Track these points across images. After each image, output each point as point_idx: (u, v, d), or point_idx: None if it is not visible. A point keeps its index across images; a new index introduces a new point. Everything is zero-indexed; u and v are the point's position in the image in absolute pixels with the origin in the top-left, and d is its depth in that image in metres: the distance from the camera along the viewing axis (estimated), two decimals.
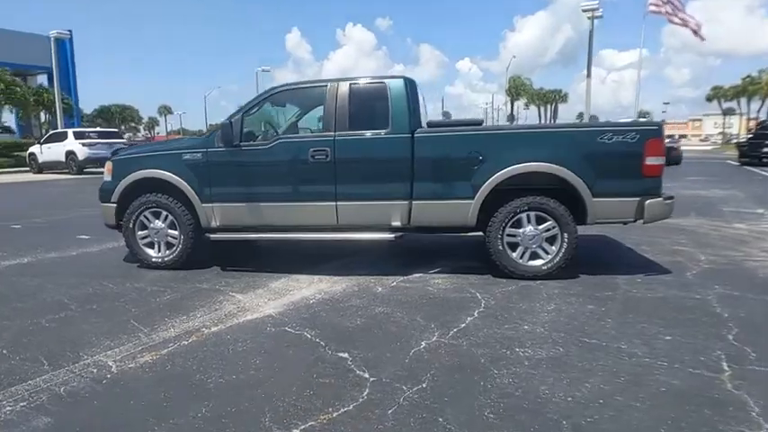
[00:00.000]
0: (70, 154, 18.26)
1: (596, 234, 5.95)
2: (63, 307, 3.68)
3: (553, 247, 4.13)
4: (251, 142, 4.49)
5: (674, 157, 20.37)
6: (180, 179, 4.56)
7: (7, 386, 2.47)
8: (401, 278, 4.30)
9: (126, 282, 4.32)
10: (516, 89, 53.04)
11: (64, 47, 41.08)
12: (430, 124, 4.34)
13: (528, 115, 62.86)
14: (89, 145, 18.03)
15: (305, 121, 4.93)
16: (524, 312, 3.38)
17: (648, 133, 4.00)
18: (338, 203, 4.34)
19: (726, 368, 2.47)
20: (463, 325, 3.17)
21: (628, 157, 3.99)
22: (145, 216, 4.72)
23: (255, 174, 4.48)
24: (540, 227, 4.12)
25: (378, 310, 3.50)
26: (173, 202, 4.61)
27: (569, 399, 2.22)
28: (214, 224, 4.61)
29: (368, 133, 4.29)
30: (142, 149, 5.15)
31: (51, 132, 21.88)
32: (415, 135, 4.20)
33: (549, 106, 64.79)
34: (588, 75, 19.90)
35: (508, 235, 4.16)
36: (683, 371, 2.45)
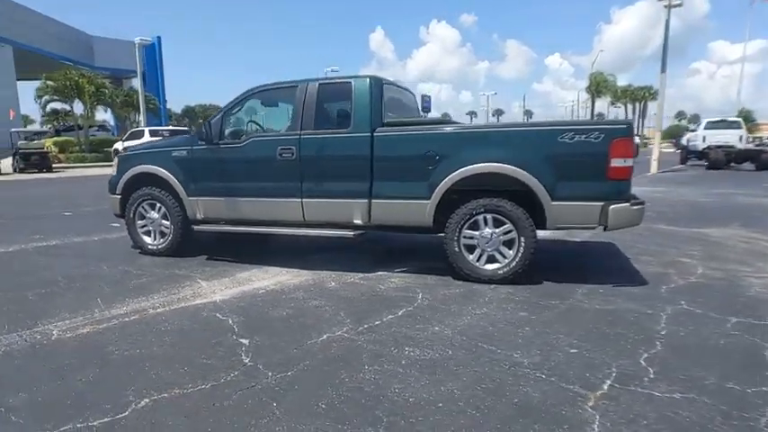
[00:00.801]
0: None
1: (602, 241, 5.62)
2: (53, 284, 4.20)
3: (511, 252, 3.99)
4: (228, 141, 4.79)
5: (764, 161, 18.24)
6: (169, 174, 4.98)
7: None
8: (361, 275, 4.38)
9: (119, 265, 4.81)
10: (597, 86, 49.78)
11: (153, 52, 45.19)
12: (389, 123, 4.35)
13: (618, 113, 58.80)
14: None
15: (278, 121, 5.13)
16: (449, 314, 3.33)
17: (614, 133, 3.73)
18: (303, 200, 4.51)
19: (605, 387, 2.29)
20: (378, 322, 3.20)
21: (591, 159, 3.75)
22: (143, 207, 5.20)
23: (232, 170, 4.78)
24: (498, 230, 4.00)
25: (312, 303, 3.62)
26: (165, 195, 5.05)
27: (411, 399, 2.20)
28: (199, 216, 4.98)
29: (331, 132, 4.42)
30: (144, 147, 5.64)
31: (132, 130, 24.41)
32: (375, 134, 4.25)
33: (637, 104, 60.19)
34: (663, 70, 18.21)
35: (465, 237, 4.08)
36: (554, 385, 2.31)
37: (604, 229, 3.86)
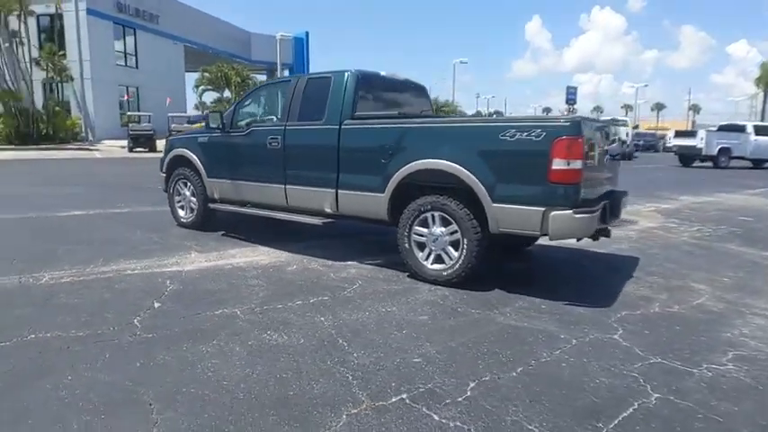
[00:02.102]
0: None
1: (629, 255, 4.97)
2: (85, 242, 5.14)
3: (456, 253, 3.80)
4: (236, 129, 5.29)
5: None
6: (195, 157, 5.68)
7: None
8: (330, 263, 4.54)
9: (150, 233, 5.64)
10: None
11: (301, 45, 49.41)
12: (357, 117, 4.38)
13: None
14: None
15: (276, 112, 5.44)
16: (354, 308, 3.36)
17: (557, 131, 3.32)
18: (287, 187, 4.81)
19: (390, 400, 2.18)
20: (280, 306, 3.37)
21: (531, 159, 3.40)
22: (179, 185, 6.01)
23: (237, 156, 5.29)
24: (445, 229, 3.84)
25: (251, 282, 3.91)
26: (192, 175, 5.77)
27: (209, 374, 2.37)
28: (216, 196, 5.61)
29: (308, 124, 4.62)
30: (185, 133, 6.44)
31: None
32: (342, 126, 4.35)
33: None
34: None
35: (416, 234, 3.99)
36: (335, 386, 2.27)
37: (550, 239, 3.47)
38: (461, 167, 3.63)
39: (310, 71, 41.93)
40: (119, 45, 30.45)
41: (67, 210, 7.03)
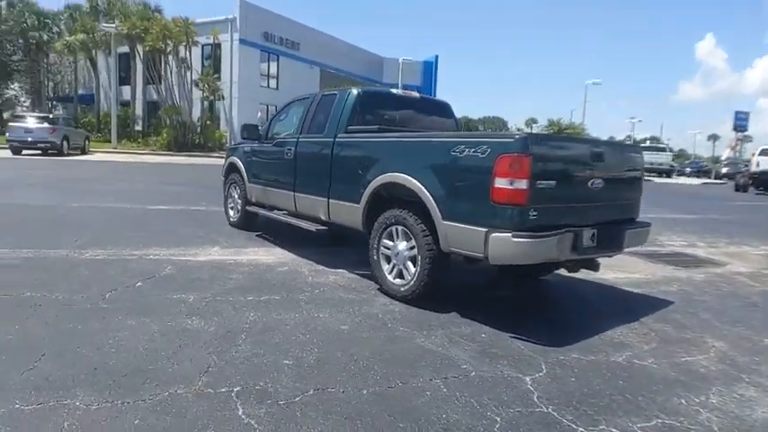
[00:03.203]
0: None
1: (661, 299, 4.33)
2: (147, 231, 6.01)
3: (413, 269, 3.70)
4: (268, 140, 5.78)
5: None
6: (241, 164, 6.32)
7: (30, 246, 4.78)
8: (321, 268, 4.70)
9: (201, 229, 6.36)
10: None
11: (430, 68, 50.71)
12: (350, 130, 4.48)
13: None
14: None
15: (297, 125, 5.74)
16: (285, 305, 3.51)
17: (501, 148, 3.06)
18: (295, 194, 5.12)
19: (128, 402, 2.25)
20: (220, 298, 3.61)
21: (476, 177, 3.19)
22: (231, 189, 6.72)
23: (267, 164, 5.79)
24: (405, 244, 3.77)
25: (231, 276, 4.23)
26: (239, 180, 6.42)
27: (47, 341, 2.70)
28: (253, 199, 6.16)
29: (313, 136, 4.89)
30: (240, 143, 7.13)
31: None
32: (336, 139, 4.52)
33: None
34: None
35: (384, 247, 3.97)
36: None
37: (491, 263, 3.20)
38: (417, 182, 3.55)
39: (436, 93, 42.91)
40: (263, 69, 34.50)
41: (158, 204, 8.26)
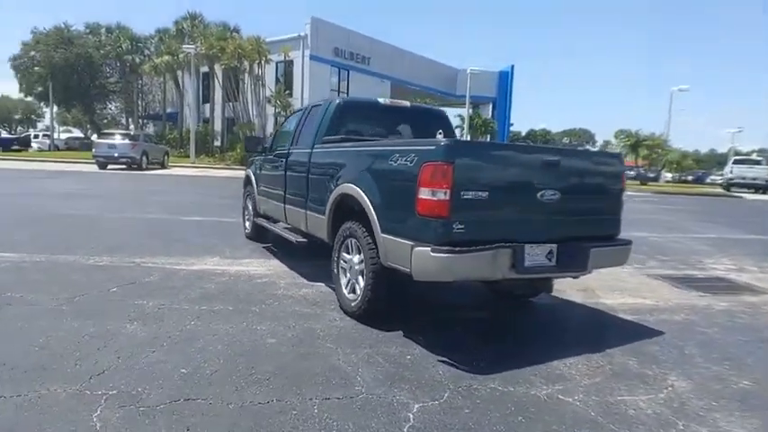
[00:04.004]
0: None
1: (652, 329, 3.91)
2: (162, 241, 6.43)
3: (363, 284, 3.61)
4: (269, 152, 5.94)
5: None
6: (253, 177, 6.57)
7: (47, 252, 5.29)
8: (302, 281, 4.74)
9: (217, 239, 6.68)
10: None
11: (505, 79, 49.49)
12: (324, 141, 4.46)
13: None
14: None
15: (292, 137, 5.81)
16: (232, 316, 3.56)
17: (425, 155, 2.90)
18: (285, 206, 5.23)
19: None
20: (180, 306, 3.77)
21: (405, 186, 3.05)
22: (247, 200, 6.99)
23: (267, 176, 5.96)
24: (358, 257, 3.68)
25: (205, 285, 4.40)
26: (252, 193, 6.67)
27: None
28: (261, 211, 6.37)
29: (298, 148, 4.96)
30: (255, 155, 7.36)
31: None
32: (312, 150, 4.55)
33: None
34: None
35: (342, 260, 3.92)
36: None
37: (414, 278, 3.02)
38: (362, 193, 3.49)
39: (512, 103, 41.92)
40: (333, 83, 35.73)
41: (193, 215, 8.82)
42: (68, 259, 5.10)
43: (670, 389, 2.77)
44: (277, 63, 32.91)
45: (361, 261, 3.60)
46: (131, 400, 2.30)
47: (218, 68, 31.19)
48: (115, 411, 2.20)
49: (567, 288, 4.99)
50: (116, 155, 19.95)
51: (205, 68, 32.40)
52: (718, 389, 2.80)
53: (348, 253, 3.82)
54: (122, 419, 2.14)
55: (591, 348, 3.31)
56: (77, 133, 45.82)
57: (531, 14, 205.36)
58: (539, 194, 3.16)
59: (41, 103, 42.83)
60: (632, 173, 43.83)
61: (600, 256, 3.41)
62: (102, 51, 35.69)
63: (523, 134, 67.11)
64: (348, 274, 3.81)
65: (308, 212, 4.57)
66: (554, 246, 3.24)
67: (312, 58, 32.51)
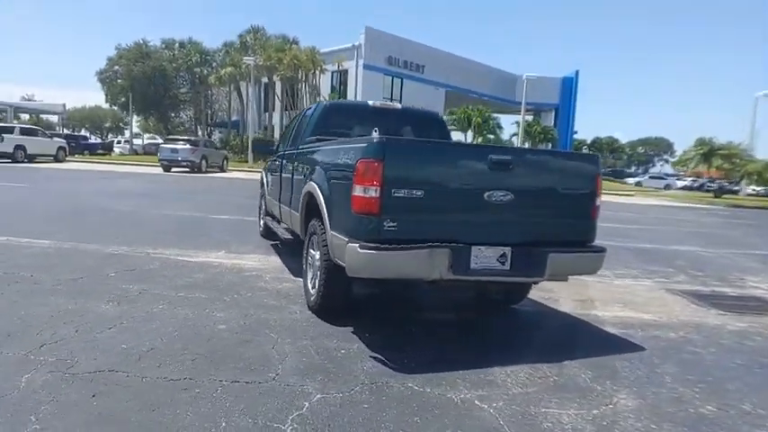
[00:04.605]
0: None
1: (634, 344, 3.72)
2: (181, 236, 6.88)
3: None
4: (275, 154, 6.22)
5: None
6: (265, 178, 6.89)
7: (76, 241, 5.84)
8: (288, 276, 4.91)
9: (233, 236, 7.06)
10: None
11: (569, 85, 47.70)
12: (307, 141, 4.60)
13: None
14: None
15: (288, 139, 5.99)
16: (202, 305, 3.76)
17: (359, 152, 2.95)
18: (280, 205, 5.45)
19: None
20: (159, 292, 4.04)
21: (345, 184, 3.11)
22: (261, 200, 7.32)
23: (270, 177, 6.22)
24: (319, 254, 3.78)
25: (194, 275, 4.67)
26: (263, 192, 6.99)
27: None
28: (269, 210, 6.66)
29: (290, 149, 5.17)
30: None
31: None
32: (298, 149, 4.73)
33: None
34: None
35: (309, 256, 4.04)
36: None
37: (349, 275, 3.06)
38: (319, 191, 3.59)
39: (575, 110, 40.56)
40: (387, 92, 36.21)
41: (222, 214, 9.32)
42: (90, 248, 5.61)
43: (610, 406, 2.60)
44: (332, 72, 33.96)
45: (320, 257, 3.71)
46: (63, 366, 2.54)
47: (276, 78, 32.68)
48: (44, 375, 2.44)
49: (561, 297, 4.81)
50: (178, 158, 21.46)
51: (266, 79, 34.07)
52: (670, 411, 2.59)
53: (313, 249, 3.93)
54: (45, 382, 2.37)
55: (546, 358, 3.18)
56: (159, 140, 49.84)
57: (608, 16, 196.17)
58: (486, 195, 3.10)
59: (124, 113, 46.84)
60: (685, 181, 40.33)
61: (561, 262, 3.27)
62: (174, 64, 38.66)
63: (588, 142, 64.19)
64: (311, 270, 3.92)
65: (291, 210, 4.74)
66: (507, 249, 3.17)
67: (366, 67, 33.24)
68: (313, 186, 3.73)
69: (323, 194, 3.51)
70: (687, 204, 25.07)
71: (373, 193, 2.88)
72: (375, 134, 2.93)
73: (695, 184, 40.60)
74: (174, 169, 22.03)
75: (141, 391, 2.36)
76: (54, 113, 44.81)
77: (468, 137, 35.17)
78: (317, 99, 31.50)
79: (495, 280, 3.23)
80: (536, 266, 3.21)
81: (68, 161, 24.80)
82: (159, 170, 22.19)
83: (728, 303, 4.99)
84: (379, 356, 3.01)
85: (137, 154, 41.57)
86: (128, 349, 2.84)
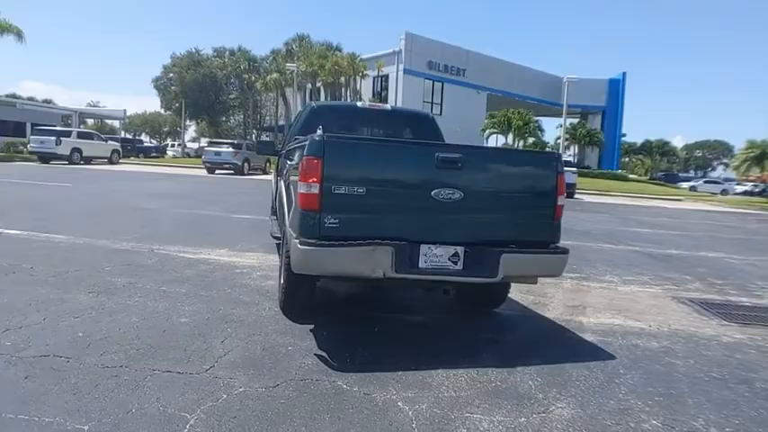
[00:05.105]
0: None
1: (605, 352, 3.58)
2: (191, 233, 7.19)
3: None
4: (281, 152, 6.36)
5: None
6: (272, 178, 7.06)
7: (90, 236, 6.21)
8: (276, 275, 5.03)
9: (238, 234, 7.31)
10: None
11: (617, 87, 45.80)
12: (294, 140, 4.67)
13: None
14: None
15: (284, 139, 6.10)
16: (182, 298, 3.90)
17: (304, 150, 2.97)
18: (276, 204, 5.57)
19: None
20: (144, 285, 4.23)
21: (295, 180, 3.14)
22: (273, 201, 7.51)
23: (273, 177, 6.35)
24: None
25: (186, 272, 4.86)
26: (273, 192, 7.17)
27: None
28: (275, 209, 6.81)
29: (281, 150, 5.28)
30: None
31: None
32: (282, 150, 4.83)
33: None
34: None
35: (284, 255, 4.10)
36: None
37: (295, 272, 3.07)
38: (283, 188, 3.67)
39: (623, 112, 39.08)
40: (428, 96, 36.10)
41: (242, 214, 9.62)
42: (100, 243, 5.95)
43: (542, 415, 2.48)
44: (374, 78, 34.29)
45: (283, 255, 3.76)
46: (14, 350, 2.73)
47: (320, 84, 33.40)
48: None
49: (553, 302, 4.64)
50: (221, 161, 22.35)
51: (310, 85, 34.92)
52: (607, 425, 2.43)
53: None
54: None
55: (500, 363, 3.07)
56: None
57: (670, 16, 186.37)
58: (433, 193, 3.04)
59: (179, 118, 49.47)
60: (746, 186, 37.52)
61: (516, 262, 3.15)
62: (224, 71, 40.42)
63: (638, 145, 61.13)
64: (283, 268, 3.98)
65: (278, 208, 4.84)
66: (460, 248, 3.09)
67: (406, 71, 33.34)
68: (280, 184, 3.80)
69: (285, 192, 3.57)
70: (736, 210, 23.28)
71: (314, 189, 2.90)
72: (318, 132, 2.93)
73: (756, 189, 37.68)
74: (217, 171, 22.97)
75: (72, 375, 2.50)
76: (116, 119, 47.98)
77: (509, 140, 34.43)
78: (360, 102, 31.91)
79: (447, 279, 3.16)
80: (488, 267, 3.11)
81: (121, 163, 26.43)
82: (204, 172, 23.21)
83: (737, 314, 4.62)
84: (324, 354, 3.01)
85: (189, 157, 43.71)
86: (82, 337, 3.00)
